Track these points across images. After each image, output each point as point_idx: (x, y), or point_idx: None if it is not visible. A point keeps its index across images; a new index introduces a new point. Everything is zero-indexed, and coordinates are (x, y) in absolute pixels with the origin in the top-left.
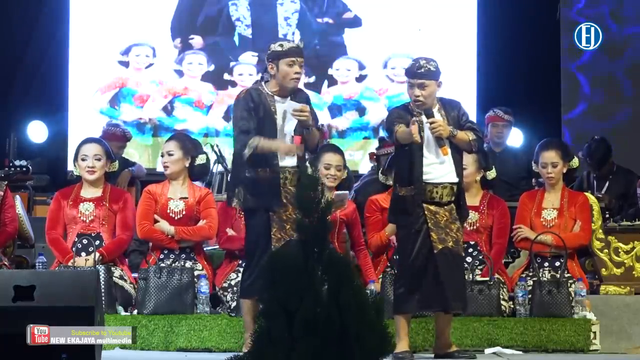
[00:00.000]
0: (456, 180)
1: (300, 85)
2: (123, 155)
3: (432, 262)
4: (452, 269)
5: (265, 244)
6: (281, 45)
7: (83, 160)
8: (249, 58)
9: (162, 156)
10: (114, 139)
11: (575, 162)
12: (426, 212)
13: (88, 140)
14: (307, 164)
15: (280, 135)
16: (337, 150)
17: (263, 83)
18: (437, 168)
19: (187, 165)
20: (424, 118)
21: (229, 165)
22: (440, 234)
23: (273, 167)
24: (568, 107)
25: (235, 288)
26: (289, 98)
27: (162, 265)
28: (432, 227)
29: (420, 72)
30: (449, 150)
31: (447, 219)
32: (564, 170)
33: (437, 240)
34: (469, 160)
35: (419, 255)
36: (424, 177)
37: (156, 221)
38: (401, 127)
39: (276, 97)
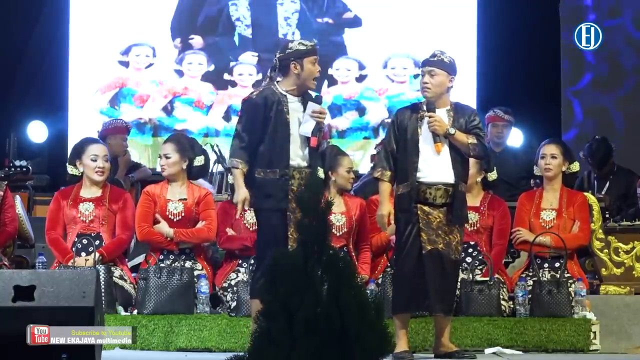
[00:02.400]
0: (452, 181)
1: None
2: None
3: (420, 263)
4: (439, 271)
5: (280, 244)
6: (304, 45)
7: (93, 160)
8: (249, 58)
9: (160, 158)
10: (118, 132)
11: (575, 165)
12: (419, 212)
13: (95, 141)
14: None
15: (293, 131)
16: (346, 153)
17: (276, 82)
18: (432, 165)
19: (185, 167)
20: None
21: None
22: (430, 235)
23: (282, 169)
24: (568, 107)
25: (235, 288)
26: (301, 97)
27: (162, 265)
28: (423, 227)
29: (432, 60)
30: (442, 148)
31: (440, 220)
32: (563, 169)
33: (427, 241)
34: (470, 161)
35: (408, 256)
36: (418, 174)
37: (157, 221)
38: (383, 176)
39: (289, 97)
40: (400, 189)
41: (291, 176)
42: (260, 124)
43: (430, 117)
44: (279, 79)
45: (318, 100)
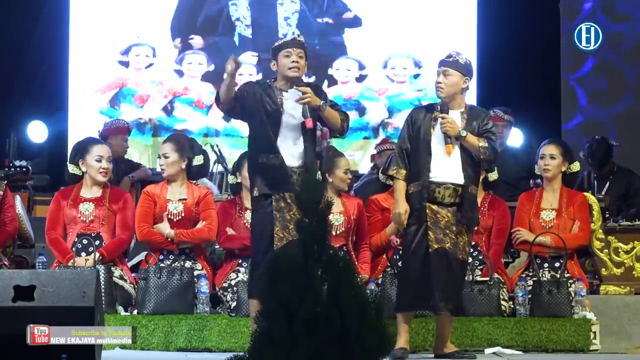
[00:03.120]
0: (462, 182)
1: None
2: (127, 158)
3: (426, 262)
4: (445, 270)
5: (267, 243)
6: (280, 40)
7: (98, 161)
8: (249, 58)
9: (159, 158)
10: (119, 132)
11: (576, 165)
12: (427, 211)
13: (98, 141)
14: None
15: (284, 127)
16: (343, 154)
17: (273, 79)
18: (443, 166)
19: (184, 166)
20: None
21: (229, 166)
22: (438, 234)
23: (277, 153)
24: (568, 106)
25: (235, 288)
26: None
27: (162, 265)
28: (430, 226)
29: (447, 61)
30: (453, 150)
31: (449, 220)
32: (563, 169)
33: (434, 240)
34: None
35: (415, 254)
36: (429, 173)
37: (159, 220)
38: (398, 174)
39: (284, 93)
40: (411, 188)
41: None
42: (247, 110)
43: (443, 118)
44: (276, 77)
45: (301, 83)
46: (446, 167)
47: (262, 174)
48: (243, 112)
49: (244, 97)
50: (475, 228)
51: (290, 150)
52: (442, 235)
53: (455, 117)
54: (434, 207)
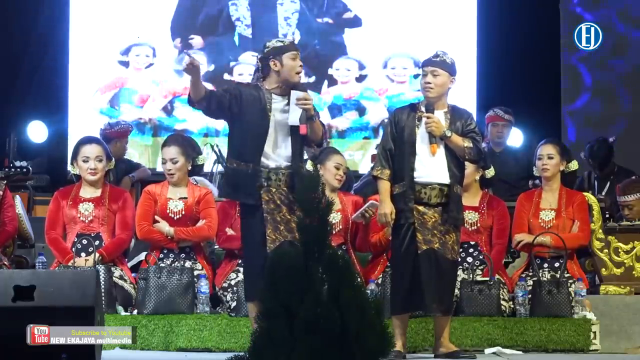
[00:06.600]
0: (447, 181)
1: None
2: (127, 158)
3: (416, 263)
4: (435, 270)
5: (260, 245)
6: (281, 41)
7: (85, 162)
8: (249, 58)
9: (164, 163)
10: (120, 136)
11: (574, 164)
12: (414, 213)
13: (88, 141)
14: (309, 162)
15: (272, 130)
16: (340, 152)
17: (262, 81)
18: (428, 166)
19: (189, 168)
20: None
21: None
22: (426, 235)
23: (255, 164)
24: (569, 103)
25: (235, 288)
26: (286, 97)
27: (162, 265)
28: (418, 227)
29: (435, 60)
30: (438, 150)
31: (436, 220)
32: (561, 168)
33: (422, 241)
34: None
35: (405, 256)
36: (414, 173)
37: (156, 221)
38: (382, 174)
39: (274, 95)
40: (396, 189)
41: (267, 177)
42: (227, 109)
43: (428, 117)
44: (265, 77)
45: (300, 87)
46: (431, 167)
47: (228, 179)
48: (220, 111)
49: (224, 96)
50: (474, 228)
51: (279, 152)
52: (430, 236)
53: (439, 118)
54: (421, 208)
